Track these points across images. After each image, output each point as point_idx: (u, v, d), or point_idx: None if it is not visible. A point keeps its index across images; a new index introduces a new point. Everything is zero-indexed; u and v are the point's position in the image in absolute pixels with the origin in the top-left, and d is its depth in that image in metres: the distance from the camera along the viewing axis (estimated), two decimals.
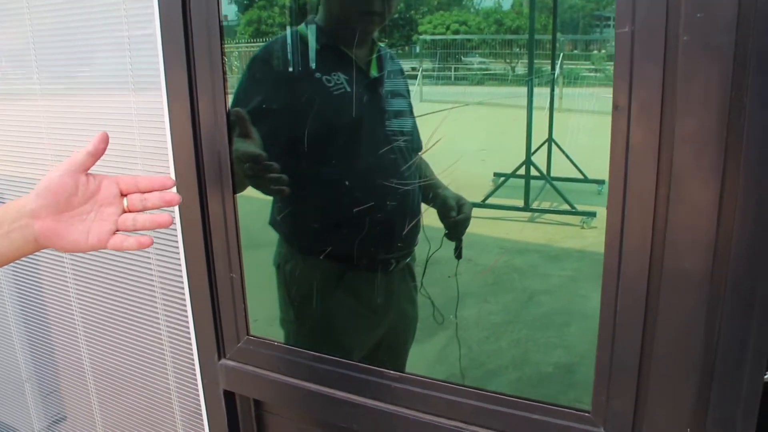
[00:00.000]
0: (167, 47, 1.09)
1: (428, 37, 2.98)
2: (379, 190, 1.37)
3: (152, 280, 1.44)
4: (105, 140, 0.87)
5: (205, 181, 1.13)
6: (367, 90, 1.39)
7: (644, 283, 0.80)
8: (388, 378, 1.03)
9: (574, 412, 0.90)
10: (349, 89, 1.34)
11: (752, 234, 0.73)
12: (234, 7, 1.85)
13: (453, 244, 1.51)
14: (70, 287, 1.70)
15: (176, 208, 1.17)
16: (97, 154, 0.87)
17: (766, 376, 0.78)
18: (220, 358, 1.21)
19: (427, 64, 2.95)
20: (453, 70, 3.14)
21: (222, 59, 1.06)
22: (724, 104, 0.72)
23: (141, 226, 0.91)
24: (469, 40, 3.07)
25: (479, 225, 1.88)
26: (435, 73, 2.95)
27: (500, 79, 3.17)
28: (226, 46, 1.74)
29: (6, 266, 1.84)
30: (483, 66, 3.14)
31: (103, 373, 1.74)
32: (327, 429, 1.17)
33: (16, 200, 0.86)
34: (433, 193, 1.50)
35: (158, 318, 1.46)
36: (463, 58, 3.10)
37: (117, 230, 0.90)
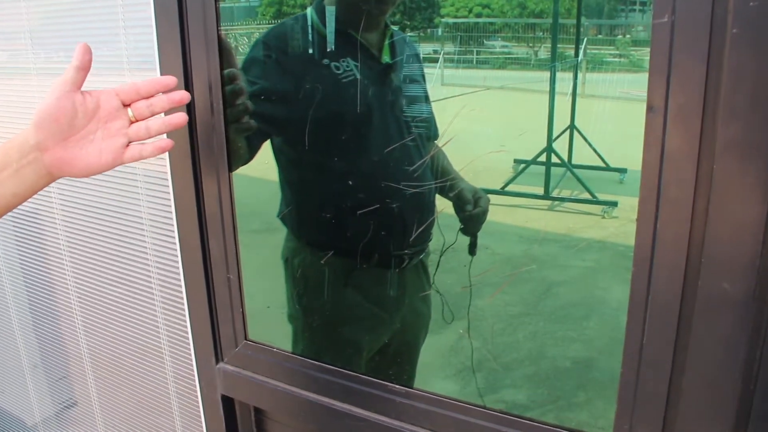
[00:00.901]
0: (161, 26, 1.00)
1: (450, 20, 2.88)
2: (391, 182, 1.28)
3: (150, 281, 1.37)
4: (88, 50, 0.81)
5: (201, 174, 1.04)
6: (379, 77, 1.30)
7: (677, 305, 0.71)
8: (392, 392, 0.94)
9: None
10: (359, 76, 1.25)
11: None
12: None
13: (468, 239, 1.42)
14: (71, 290, 1.65)
15: (172, 206, 1.09)
16: (85, 66, 0.81)
17: None
18: (217, 362, 1.13)
19: (448, 48, 2.85)
20: (475, 53, 3.04)
21: (219, 40, 0.97)
22: None
23: (156, 131, 0.86)
24: (491, 24, 2.97)
25: (498, 213, 1.79)
26: (456, 56, 2.85)
27: (522, 64, 3.06)
28: (246, 26, 1.65)
29: (5, 269, 1.80)
30: (505, 50, 3.04)
31: (104, 374, 1.69)
32: None
33: (14, 137, 0.81)
34: (449, 185, 1.41)
35: (157, 320, 1.39)
36: (485, 41, 3.01)
37: (130, 143, 0.85)
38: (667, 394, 0.74)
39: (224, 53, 1.01)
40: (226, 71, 1.03)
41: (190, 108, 1.02)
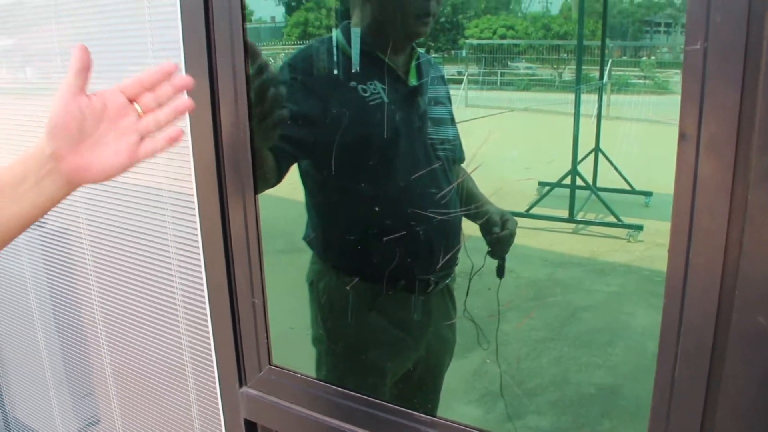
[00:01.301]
0: (189, 52, 1.00)
1: (474, 42, 2.87)
2: (418, 206, 1.27)
3: (175, 302, 1.37)
4: (86, 51, 0.79)
5: (227, 196, 1.04)
6: (406, 99, 1.29)
7: (710, 338, 0.68)
8: (417, 421, 0.93)
9: None
10: (386, 99, 1.24)
11: None
12: (281, 9, 1.77)
13: (495, 262, 1.40)
14: (96, 309, 1.65)
15: (198, 228, 1.08)
16: (85, 67, 0.79)
17: None
18: (241, 386, 1.12)
19: (472, 69, 2.84)
20: (499, 75, 3.03)
21: (245, 64, 0.96)
22: None
23: (166, 121, 0.85)
24: (515, 45, 2.96)
25: (522, 235, 1.77)
26: (481, 78, 2.85)
27: (547, 85, 3.05)
28: (272, 47, 1.66)
29: (32, 286, 1.81)
30: (529, 71, 3.03)
31: (127, 393, 1.69)
32: None
33: (30, 150, 0.80)
34: (475, 208, 1.39)
35: (181, 342, 1.39)
36: (509, 63, 3.00)
37: (142, 138, 0.83)
38: (700, 430, 0.72)
39: (253, 68, 1.01)
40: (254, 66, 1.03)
41: (216, 129, 1.02)
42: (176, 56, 1.09)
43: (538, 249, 2.52)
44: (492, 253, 1.38)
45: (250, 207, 1.01)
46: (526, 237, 2.21)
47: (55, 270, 1.73)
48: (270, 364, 1.07)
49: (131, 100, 0.83)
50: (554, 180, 2.57)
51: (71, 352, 1.82)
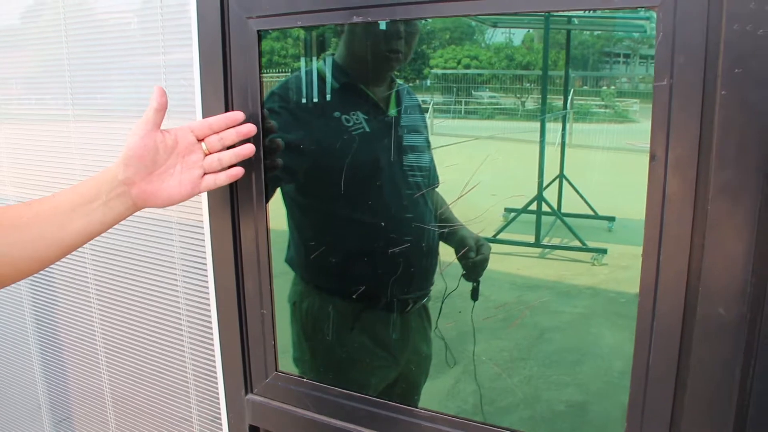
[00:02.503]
0: (205, 75, 1.13)
1: (439, 71, 3.03)
2: (398, 229, 1.40)
3: (179, 315, 1.47)
4: (163, 93, 0.93)
5: (239, 215, 1.16)
6: (387, 128, 1.41)
7: (679, 328, 0.84)
8: (419, 417, 1.06)
9: None
10: (368, 129, 1.37)
11: None
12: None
13: (469, 285, 1.53)
14: (95, 316, 1.72)
15: (208, 243, 1.20)
16: (162, 108, 0.94)
17: None
18: (247, 393, 1.23)
19: (437, 98, 2.99)
20: (463, 103, 3.18)
21: (260, 87, 1.09)
22: (760, 157, 0.75)
23: (228, 162, 1.00)
24: (480, 75, 3.12)
25: (490, 260, 1.91)
26: (445, 106, 2.99)
27: (510, 114, 3.22)
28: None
29: (28, 299, 1.87)
30: (493, 100, 3.19)
31: (125, 411, 1.75)
32: None
33: (103, 172, 0.93)
34: (450, 232, 1.53)
35: (184, 351, 1.48)
36: (473, 92, 3.15)
37: (205, 173, 0.99)
38: (671, 410, 0.86)
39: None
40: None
41: (227, 102, 1.15)
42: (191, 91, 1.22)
43: (505, 273, 2.65)
44: (467, 277, 1.52)
45: (261, 220, 1.13)
46: (493, 262, 2.35)
47: (54, 274, 1.79)
48: (277, 370, 1.19)
49: (199, 140, 0.98)
50: (519, 206, 2.72)
51: (67, 360, 1.88)
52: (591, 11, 0.86)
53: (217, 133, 1.00)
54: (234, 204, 1.15)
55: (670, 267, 0.83)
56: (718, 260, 0.80)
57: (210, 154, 0.99)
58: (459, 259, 1.49)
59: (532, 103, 3.23)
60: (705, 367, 0.83)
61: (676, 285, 0.83)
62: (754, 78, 0.74)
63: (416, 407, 1.09)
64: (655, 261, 0.84)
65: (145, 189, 0.94)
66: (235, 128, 1.02)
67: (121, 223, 0.96)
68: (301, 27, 1.03)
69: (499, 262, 2.58)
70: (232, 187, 1.12)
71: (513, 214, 2.80)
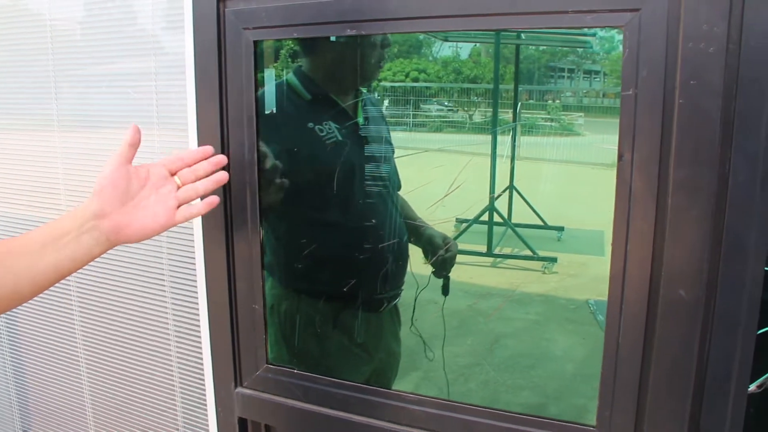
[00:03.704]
0: (200, 84, 1.23)
1: (388, 84, 3.18)
2: (370, 232, 1.52)
3: (166, 312, 1.54)
4: (138, 131, 0.98)
5: (232, 214, 1.25)
6: (356, 135, 1.53)
7: (644, 309, 0.98)
8: (406, 401, 1.17)
9: (581, 426, 1.06)
10: (340, 138, 1.48)
11: (735, 266, 0.92)
12: None
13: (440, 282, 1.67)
14: (74, 305, 1.77)
15: (200, 241, 1.29)
16: (135, 144, 0.98)
17: (749, 389, 0.96)
18: (236, 386, 1.32)
19: (386, 111, 3.13)
20: (411, 116, 3.32)
21: (256, 96, 1.19)
22: (713, 157, 0.90)
23: (204, 190, 1.05)
24: (428, 88, 3.28)
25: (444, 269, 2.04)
26: (394, 119, 3.12)
27: (458, 127, 3.37)
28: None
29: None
30: (441, 113, 3.34)
31: (106, 412, 1.80)
32: None
33: (76, 208, 0.95)
34: (417, 232, 1.66)
35: (170, 348, 1.56)
36: (421, 105, 3.30)
37: (180, 204, 1.02)
38: (639, 384, 1.01)
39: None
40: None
41: (222, 133, 1.24)
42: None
43: (458, 282, 2.80)
44: (437, 273, 1.65)
45: (254, 219, 1.23)
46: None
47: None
48: (267, 363, 1.29)
49: (172, 173, 1.03)
50: (470, 217, 2.87)
51: (44, 346, 1.91)
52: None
53: (190, 166, 1.05)
54: (227, 202, 1.24)
55: (636, 255, 0.97)
56: (678, 248, 0.94)
57: (183, 186, 1.03)
58: (428, 257, 1.62)
59: (479, 116, 3.39)
60: (668, 343, 0.97)
61: (642, 271, 0.97)
62: (706, 89, 0.89)
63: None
64: (623, 250, 0.98)
65: (119, 221, 0.96)
66: (207, 159, 1.07)
67: None
68: (296, 38, 1.14)
69: (452, 271, 2.72)
70: (225, 186, 1.20)
71: (464, 225, 2.96)
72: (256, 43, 1.15)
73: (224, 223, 1.25)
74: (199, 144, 1.24)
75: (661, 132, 0.93)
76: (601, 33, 2.42)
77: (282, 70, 1.50)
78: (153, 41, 1.45)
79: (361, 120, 1.56)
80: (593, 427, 1.05)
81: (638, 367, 1.00)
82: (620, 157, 0.97)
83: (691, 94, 0.91)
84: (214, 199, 1.06)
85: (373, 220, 1.52)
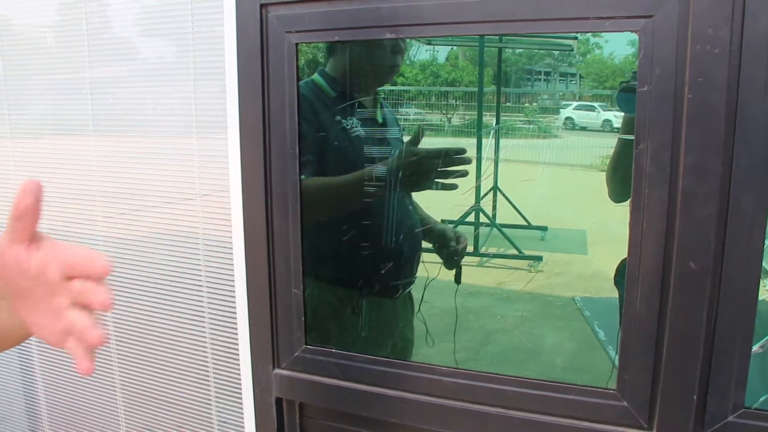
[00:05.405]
0: (243, 86, 1.37)
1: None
2: (390, 223, 1.68)
3: (201, 301, 1.67)
4: (30, 193, 0.66)
5: (272, 202, 1.40)
6: (377, 132, 1.70)
7: (659, 280, 1.16)
8: (439, 373, 1.33)
9: (602, 390, 1.23)
10: (363, 133, 1.65)
11: (740, 240, 1.10)
12: None
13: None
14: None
15: (241, 231, 1.44)
16: (23, 215, 0.67)
17: (752, 350, 1.14)
18: (274, 368, 1.47)
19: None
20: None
21: (297, 97, 1.34)
22: (718, 145, 1.09)
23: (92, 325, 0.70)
24: (406, 91, 3.43)
25: (433, 269, 2.21)
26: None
27: (437, 130, 3.54)
28: None
29: None
30: (419, 117, 3.50)
31: (138, 402, 1.94)
32: (373, 429, 1.44)
33: None
34: (427, 227, 1.83)
35: (204, 333, 1.68)
36: (400, 108, 3.45)
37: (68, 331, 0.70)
38: (654, 349, 1.18)
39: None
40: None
41: (264, 121, 1.39)
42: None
43: (447, 281, 2.96)
44: (449, 265, 1.82)
45: (294, 202, 1.38)
46: (435, 271, 2.65)
47: None
48: (306, 344, 1.44)
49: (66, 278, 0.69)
50: (453, 218, 3.03)
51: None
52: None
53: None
54: (267, 185, 1.39)
55: (651, 231, 1.15)
56: (688, 225, 1.13)
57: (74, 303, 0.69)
58: (440, 250, 1.79)
59: (457, 119, 3.58)
60: (680, 310, 1.15)
61: (656, 244, 1.15)
62: (712, 85, 1.08)
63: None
64: (640, 227, 1.16)
65: (22, 312, 0.72)
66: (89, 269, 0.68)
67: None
68: (338, 41, 1.29)
69: (441, 271, 2.90)
70: (267, 176, 1.34)
71: (450, 225, 3.11)
72: (297, 45, 1.30)
73: (264, 210, 1.39)
74: (242, 143, 1.38)
75: (673, 123, 1.12)
76: (580, 36, 2.61)
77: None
78: (192, 43, 1.58)
79: (380, 119, 1.73)
80: (613, 390, 1.23)
81: (654, 333, 1.18)
82: (637, 144, 1.15)
83: (698, 89, 1.09)
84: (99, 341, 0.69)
85: (392, 215, 1.67)
